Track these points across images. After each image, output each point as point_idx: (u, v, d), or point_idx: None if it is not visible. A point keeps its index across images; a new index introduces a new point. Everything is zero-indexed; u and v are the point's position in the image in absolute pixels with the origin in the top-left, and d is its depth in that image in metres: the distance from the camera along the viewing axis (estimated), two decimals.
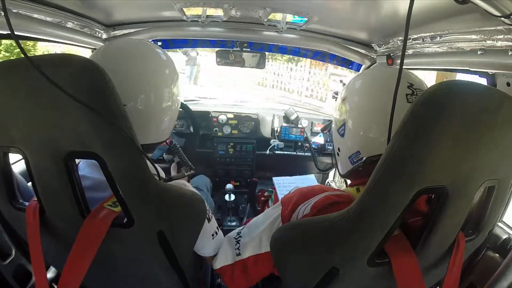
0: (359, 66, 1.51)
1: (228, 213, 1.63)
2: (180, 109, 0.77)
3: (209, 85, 7.77)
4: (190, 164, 1.13)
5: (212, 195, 1.58)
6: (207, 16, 1.20)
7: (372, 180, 0.46)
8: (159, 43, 1.43)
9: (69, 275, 0.50)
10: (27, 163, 0.52)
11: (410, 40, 0.96)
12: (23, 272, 0.78)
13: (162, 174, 0.71)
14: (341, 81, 1.85)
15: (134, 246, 0.58)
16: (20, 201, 0.58)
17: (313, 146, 1.77)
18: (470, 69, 0.79)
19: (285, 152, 1.78)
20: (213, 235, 0.72)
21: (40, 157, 0.51)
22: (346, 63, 1.54)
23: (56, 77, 0.43)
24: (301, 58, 7.00)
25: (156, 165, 0.58)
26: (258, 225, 0.68)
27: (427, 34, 0.88)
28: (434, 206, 0.49)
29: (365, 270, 0.51)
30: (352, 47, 1.40)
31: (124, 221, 0.53)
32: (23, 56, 0.44)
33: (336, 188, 0.68)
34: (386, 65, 1.23)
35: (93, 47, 1.22)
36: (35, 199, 0.55)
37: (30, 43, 4.29)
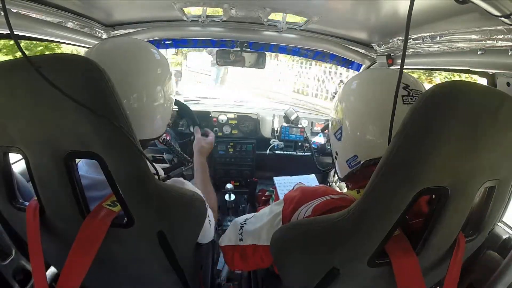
0: (359, 66, 1.51)
1: (228, 213, 1.63)
2: (178, 109, 0.77)
3: (236, 89, 6.60)
4: (186, 156, 1.13)
5: None
6: (207, 16, 1.20)
7: (373, 181, 0.46)
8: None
9: (69, 275, 0.50)
10: (27, 163, 0.52)
11: (410, 40, 0.96)
12: (23, 272, 0.78)
13: (162, 174, 0.71)
14: (341, 81, 1.84)
15: (134, 246, 0.58)
16: (20, 201, 0.58)
17: (313, 146, 1.76)
18: (470, 69, 0.79)
19: (285, 152, 1.77)
20: (210, 225, 0.74)
21: (40, 157, 0.50)
22: (346, 63, 1.53)
23: (56, 78, 0.43)
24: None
25: (155, 164, 0.58)
26: (262, 218, 0.69)
27: (427, 34, 0.88)
28: (434, 207, 0.48)
29: (365, 271, 0.51)
30: (352, 47, 1.40)
31: (124, 221, 0.53)
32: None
33: (338, 190, 0.68)
34: (386, 65, 1.24)
35: None
36: (35, 199, 0.55)
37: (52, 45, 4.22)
